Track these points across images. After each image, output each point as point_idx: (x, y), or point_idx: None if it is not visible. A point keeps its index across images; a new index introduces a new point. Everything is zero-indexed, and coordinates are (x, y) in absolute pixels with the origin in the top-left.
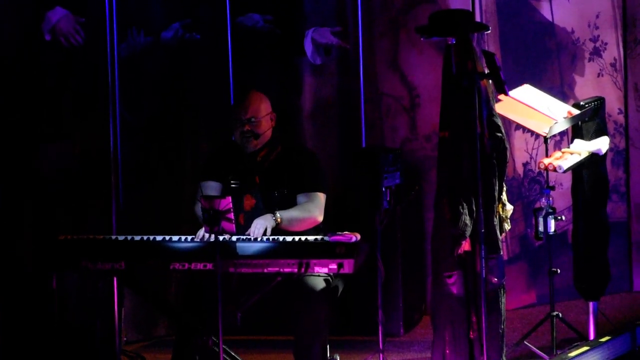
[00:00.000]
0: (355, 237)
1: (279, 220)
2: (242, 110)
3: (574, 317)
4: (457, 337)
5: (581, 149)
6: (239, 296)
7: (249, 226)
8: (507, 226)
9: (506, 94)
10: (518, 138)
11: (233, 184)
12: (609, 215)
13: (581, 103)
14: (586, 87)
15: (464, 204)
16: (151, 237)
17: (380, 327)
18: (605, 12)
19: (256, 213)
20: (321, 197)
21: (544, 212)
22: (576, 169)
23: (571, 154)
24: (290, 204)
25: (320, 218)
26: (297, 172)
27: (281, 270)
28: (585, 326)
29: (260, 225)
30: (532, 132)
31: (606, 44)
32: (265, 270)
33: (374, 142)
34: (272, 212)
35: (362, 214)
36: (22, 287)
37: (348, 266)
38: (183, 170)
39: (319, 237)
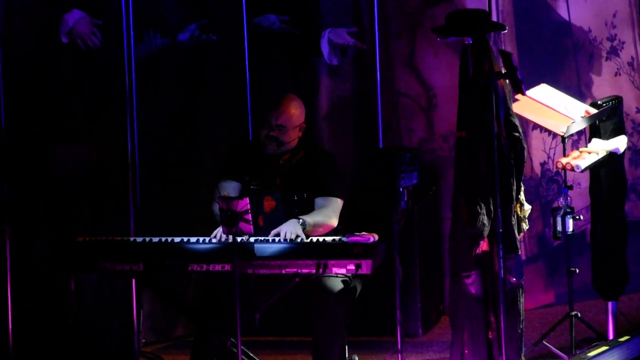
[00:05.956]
0: (373, 237)
1: (306, 227)
2: (274, 114)
3: (592, 317)
4: (475, 337)
5: (599, 148)
6: (257, 297)
7: (268, 228)
8: (525, 226)
9: (523, 94)
10: (535, 137)
11: (253, 185)
12: (627, 215)
13: (599, 102)
14: (603, 86)
15: (482, 204)
16: (169, 239)
17: (398, 328)
18: (622, 10)
19: (276, 215)
20: (339, 203)
21: (562, 212)
22: (594, 168)
23: (589, 153)
24: (309, 207)
25: (336, 223)
26: (317, 175)
27: (299, 271)
28: (604, 326)
29: (291, 233)
30: (549, 132)
31: (623, 42)
32: (283, 271)
33: (391, 142)
34: (292, 215)
35: (379, 214)
36: (41, 289)
37: (366, 267)
38: (200, 170)
39: (336, 238)
